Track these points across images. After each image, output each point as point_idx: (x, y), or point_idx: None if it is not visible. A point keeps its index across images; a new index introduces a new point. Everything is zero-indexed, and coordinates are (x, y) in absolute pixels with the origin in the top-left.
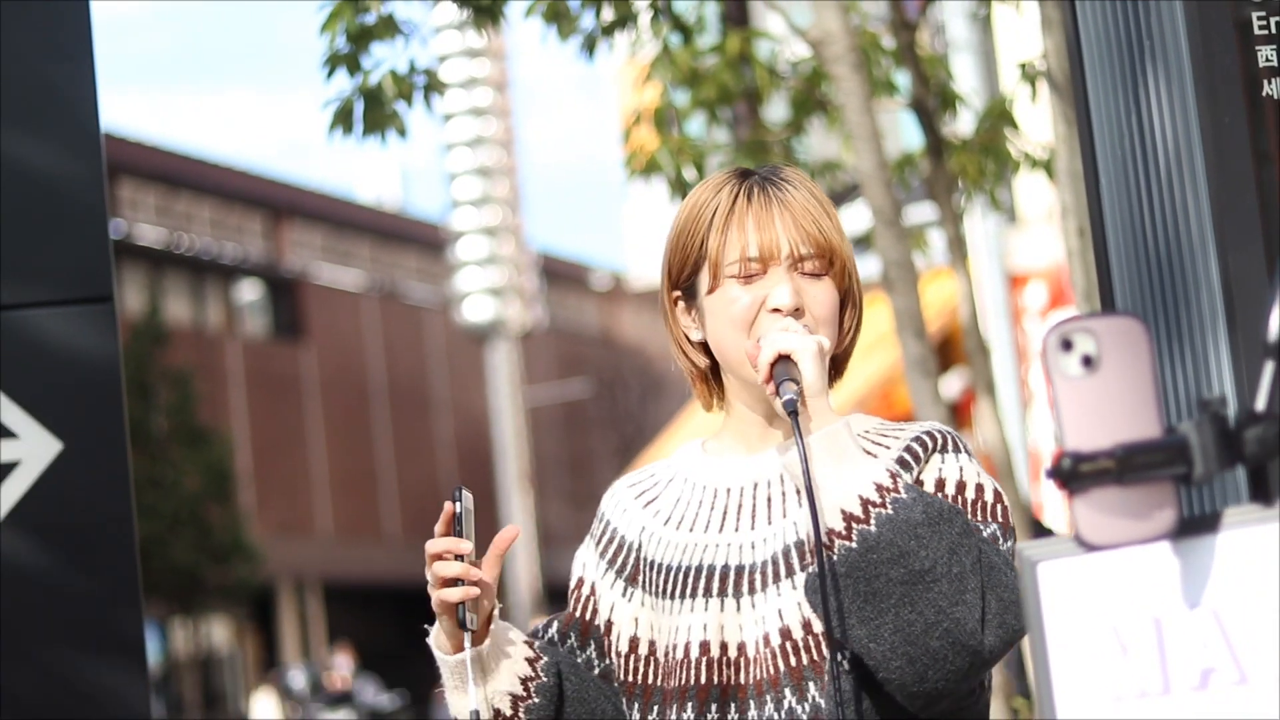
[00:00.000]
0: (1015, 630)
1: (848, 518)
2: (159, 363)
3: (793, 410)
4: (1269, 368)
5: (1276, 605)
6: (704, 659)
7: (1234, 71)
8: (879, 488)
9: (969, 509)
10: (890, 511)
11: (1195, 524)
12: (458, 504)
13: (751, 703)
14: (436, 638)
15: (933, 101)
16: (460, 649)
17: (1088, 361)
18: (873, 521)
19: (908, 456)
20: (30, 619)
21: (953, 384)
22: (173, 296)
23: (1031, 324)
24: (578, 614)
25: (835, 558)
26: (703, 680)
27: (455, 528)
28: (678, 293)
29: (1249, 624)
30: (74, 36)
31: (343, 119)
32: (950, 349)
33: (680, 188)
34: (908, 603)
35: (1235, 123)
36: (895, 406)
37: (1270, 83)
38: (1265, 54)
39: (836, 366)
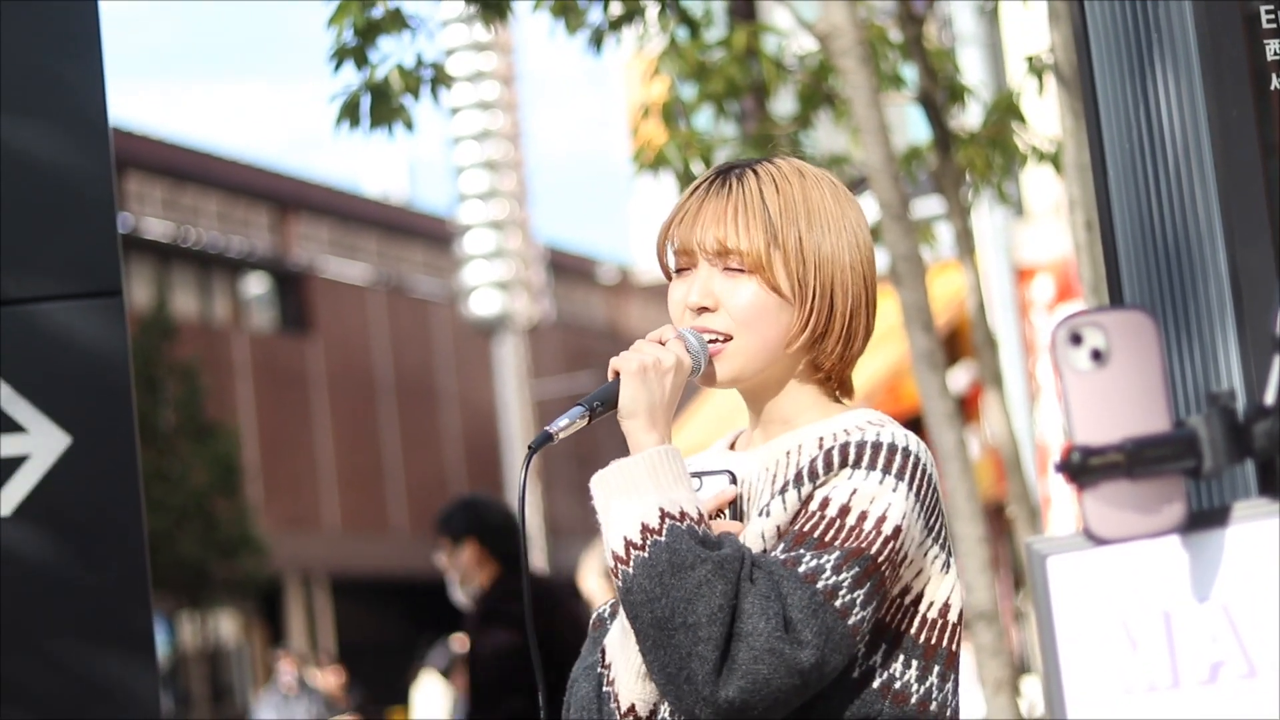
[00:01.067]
0: (765, 680)
1: (615, 557)
2: (166, 356)
3: (533, 445)
4: (1277, 361)
5: None
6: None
7: (1242, 64)
8: (644, 528)
9: (822, 531)
10: (646, 555)
11: (1204, 518)
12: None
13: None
14: (625, 631)
15: (940, 95)
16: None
17: (1097, 355)
18: (631, 563)
19: (819, 465)
20: (39, 613)
21: (960, 377)
22: (180, 290)
23: (1039, 317)
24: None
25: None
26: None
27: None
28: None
29: (1258, 618)
30: (82, 30)
31: (350, 112)
32: (958, 342)
33: (687, 181)
34: (660, 645)
35: (1243, 116)
36: (903, 400)
37: (1278, 75)
38: (1273, 47)
39: (835, 379)
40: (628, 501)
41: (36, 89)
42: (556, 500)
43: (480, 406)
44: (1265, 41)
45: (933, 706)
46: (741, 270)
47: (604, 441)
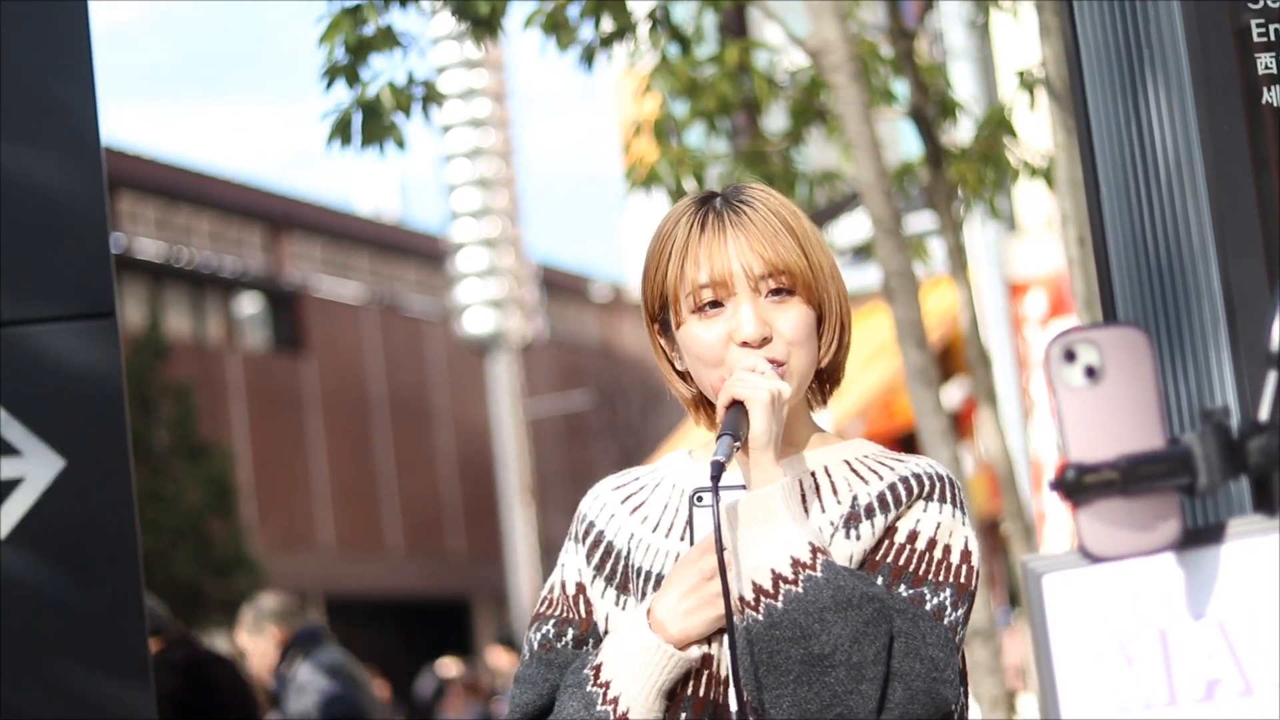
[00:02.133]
0: (918, 719)
1: (758, 589)
2: (160, 377)
3: (714, 476)
4: (1271, 377)
5: None
6: (704, 671)
7: (1233, 79)
8: (795, 562)
9: (928, 567)
10: (800, 590)
11: (1199, 535)
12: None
13: None
14: (643, 646)
15: (932, 110)
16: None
17: (1091, 372)
18: (780, 598)
19: (889, 497)
20: (34, 635)
21: (954, 393)
22: (173, 310)
23: (1032, 332)
24: (572, 614)
25: (745, 624)
26: (700, 693)
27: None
28: (657, 325)
29: (1254, 635)
30: (74, 50)
31: (341, 130)
32: (951, 358)
33: (680, 198)
34: (805, 682)
35: (1235, 130)
36: (897, 416)
37: (1270, 90)
38: (1264, 61)
39: (830, 378)
40: (770, 533)
41: (29, 111)
42: (551, 522)
43: (474, 425)
44: (1256, 55)
45: (962, 714)
46: (789, 292)
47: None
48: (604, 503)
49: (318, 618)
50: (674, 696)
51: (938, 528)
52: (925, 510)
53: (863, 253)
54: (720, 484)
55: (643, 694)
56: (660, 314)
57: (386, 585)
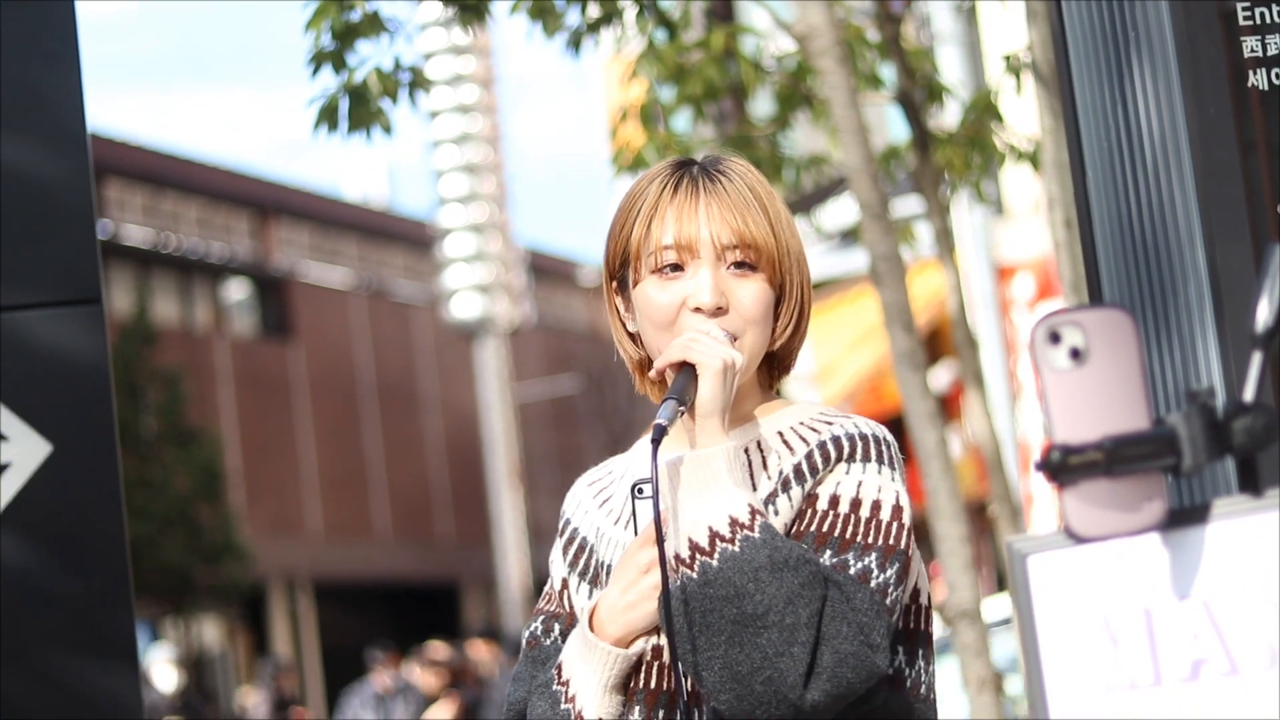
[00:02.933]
0: (848, 684)
1: (694, 547)
2: (148, 363)
3: (655, 439)
4: (1256, 358)
5: (1267, 596)
6: (654, 662)
7: (1219, 62)
8: (733, 522)
9: (853, 530)
10: (736, 549)
11: (1184, 515)
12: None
13: (695, 710)
14: (587, 644)
15: (918, 94)
16: (632, 643)
17: (1076, 354)
18: (716, 556)
19: (805, 466)
20: (21, 621)
21: (941, 376)
22: (161, 296)
23: (1020, 315)
24: (560, 610)
25: (680, 581)
26: (651, 685)
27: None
28: (615, 282)
29: (1239, 615)
30: (59, 38)
31: (328, 116)
32: (939, 341)
33: None
34: (737, 642)
35: (1221, 113)
36: (885, 400)
37: (1255, 73)
38: (1250, 44)
39: (780, 363)
40: (710, 494)
41: (15, 98)
42: (539, 506)
43: (462, 410)
44: (1242, 38)
45: (921, 689)
46: (752, 267)
47: (586, 445)
48: (579, 499)
49: (307, 603)
50: (628, 689)
51: (859, 487)
52: (847, 472)
53: (850, 237)
54: (661, 455)
55: (594, 693)
56: (620, 271)
57: (375, 570)
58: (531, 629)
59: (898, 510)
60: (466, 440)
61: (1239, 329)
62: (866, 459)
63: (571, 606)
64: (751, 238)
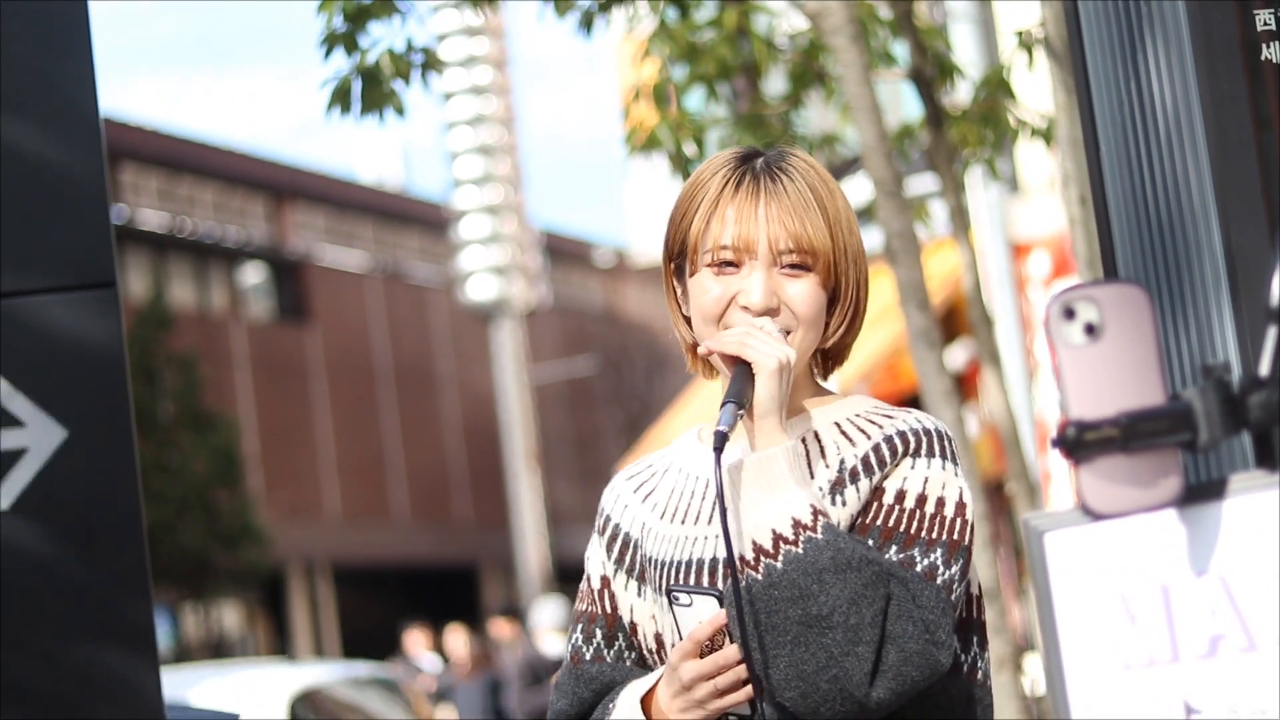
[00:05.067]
0: (913, 682)
1: (758, 549)
2: (164, 347)
3: (718, 447)
4: (1272, 333)
5: None
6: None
7: (1232, 36)
8: (796, 524)
9: (918, 526)
10: (800, 551)
11: (1201, 491)
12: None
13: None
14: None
15: (931, 72)
16: None
17: (1091, 330)
18: (780, 558)
19: (873, 459)
20: (38, 607)
21: (957, 355)
22: (177, 281)
23: (1035, 293)
24: (600, 609)
25: (746, 583)
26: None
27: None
28: (673, 265)
29: (1256, 590)
30: (72, 21)
31: (341, 98)
32: (954, 320)
33: (680, 163)
34: (802, 642)
35: (1234, 87)
36: (901, 379)
37: (1269, 46)
38: (1263, 18)
39: (833, 357)
40: (772, 495)
41: (27, 83)
42: (557, 488)
43: (479, 392)
44: (1255, 12)
45: (979, 675)
46: (805, 269)
47: (603, 427)
48: (618, 494)
49: (326, 587)
50: None
51: (926, 483)
52: (913, 467)
53: (864, 215)
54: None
55: None
56: (678, 257)
57: (393, 553)
58: (573, 641)
59: (961, 506)
60: (484, 423)
61: (1254, 304)
62: (931, 454)
63: (613, 606)
64: (809, 242)
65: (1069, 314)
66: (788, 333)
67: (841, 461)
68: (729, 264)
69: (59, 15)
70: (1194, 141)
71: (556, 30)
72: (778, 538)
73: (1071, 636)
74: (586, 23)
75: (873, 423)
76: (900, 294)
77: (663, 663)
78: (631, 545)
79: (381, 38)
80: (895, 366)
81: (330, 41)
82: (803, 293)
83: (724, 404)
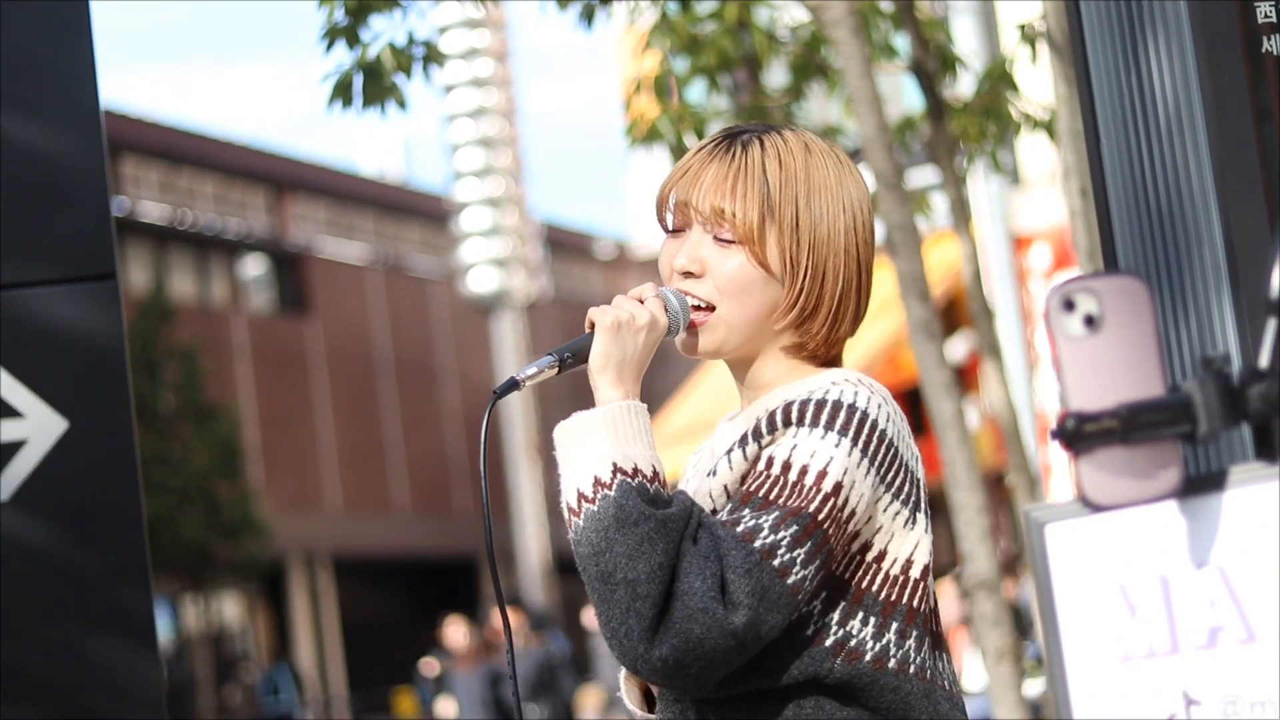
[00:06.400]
0: (698, 639)
1: (569, 508)
2: (165, 339)
3: (499, 391)
4: (1272, 325)
5: None
6: None
7: (1233, 28)
8: (596, 481)
9: (770, 489)
10: (595, 508)
11: (1200, 483)
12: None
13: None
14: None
15: (933, 64)
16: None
17: (1090, 321)
18: (582, 515)
19: (764, 425)
20: (38, 598)
21: (958, 347)
22: (177, 273)
23: (1036, 285)
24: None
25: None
26: None
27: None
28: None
29: (1256, 582)
30: (72, 13)
31: (342, 92)
32: (955, 312)
33: (681, 155)
34: (604, 599)
35: (1235, 80)
36: (902, 370)
37: (1269, 39)
38: (1264, 10)
39: (806, 346)
40: (584, 453)
41: (28, 75)
42: (558, 480)
43: (480, 384)
44: (1256, 4)
45: (891, 663)
46: (732, 241)
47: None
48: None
49: (326, 578)
50: None
51: (793, 450)
52: (793, 436)
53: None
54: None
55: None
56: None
57: (394, 545)
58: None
59: (821, 474)
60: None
61: (1254, 295)
62: (815, 424)
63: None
64: (731, 215)
65: (1069, 306)
66: (712, 306)
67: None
68: (676, 226)
69: (60, 8)
70: (1194, 134)
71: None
72: (580, 496)
73: (1071, 628)
74: (588, 15)
75: (801, 395)
76: (901, 286)
77: None
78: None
79: (383, 31)
80: (896, 358)
81: (332, 35)
82: (727, 268)
83: (546, 354)
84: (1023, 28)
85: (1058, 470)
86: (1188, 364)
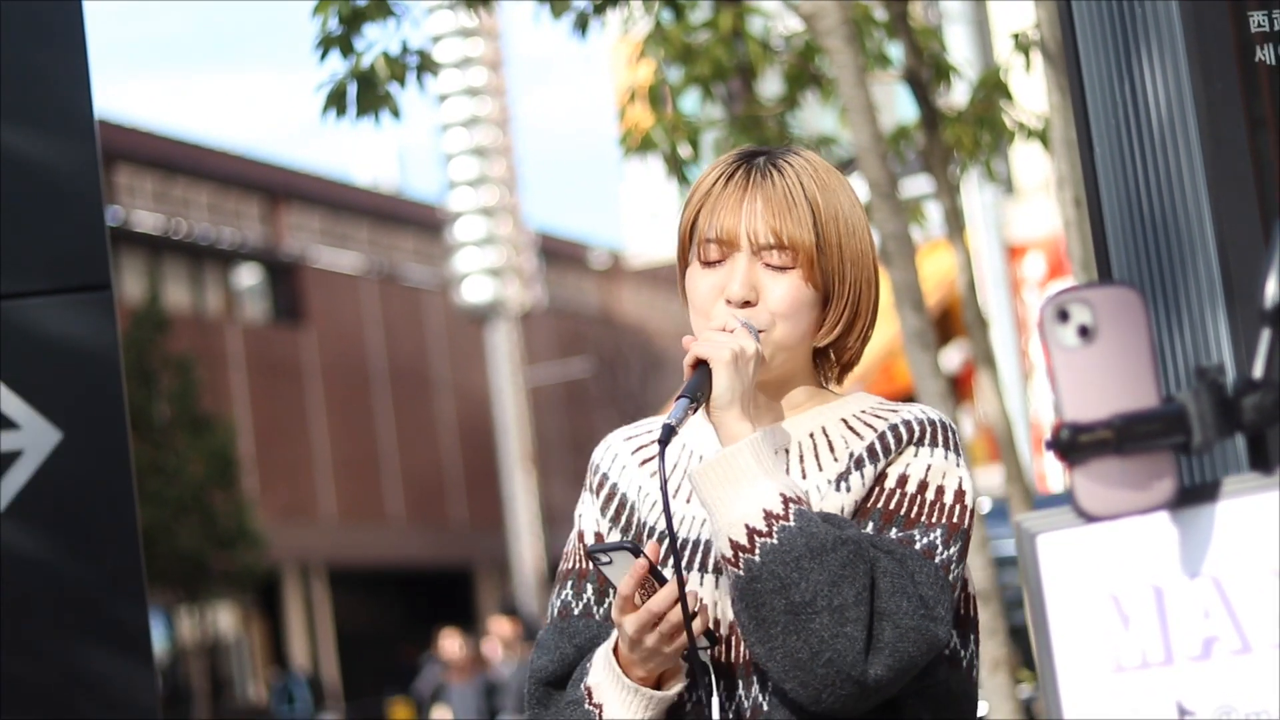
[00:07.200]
0: (911, 658)
1: (735, 546)
2: (160, 349)
3: (663, 440)
4: (1266, 335)
5: (1277, 573)
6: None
7: (1226, 37)
8: (768, 515)
9: (919, 510)
10: (775, 541)
11: (1195, 493)
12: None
13: (740, 681)
14: (620, 685)
15: (927, 73)
16: (663, 686)
17: (1084, 332)
18: (757, 551)
19: (878, 447)
20: (33, 609)
21: (953, 356)
22: (172, 282)
23: (1031, 295)
24: (588, 567)
25: (730, 580)
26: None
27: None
28: (685, 264)
29: (1250, 592)
30: (65, 23)
31: (336, 101)
32: (949, 321)
33: (675, 165)
34: (793, 631)
35: (1228, 88)
36: (896, 380)
37: (1263, 48)
38: (1257, 19)
39: (838, 360)
40: (739, 490)
41: (21, 85)
42: (552, 489)
43: (474, 393)
44: (1249, 13)
45: (973, 674)
46: (785, 266)
47: (599, 428)
48: (615, 453)
49: (321, 588)
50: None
51: (928, 470)
52: (916, 455)
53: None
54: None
55: None
56: (685, 253)
57: (389, 555)
58: (562, 597)
59: (960, 494)
60: (479, 424)
61: (1248, 305)
62: (934, 444)
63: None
64: (790, 239)
65: (1063, 316)
66: (762, 330)
67: (850, 453)
68: (719, 257)
69: (53, 16)
70: (1188, 143)
71: (552, 32)
72: (751, 532)
73: (1064, 638)
74: (582, 24)
75: (879, 416)
76: (895, 295)
77: None
78: (628, 507)
79: (376, 40)
80: (890, 368)
81: (326, 44)
82: (781, 288)
83: (677, 398)
84: (1016, 36)
85: (1052, 480)
86: (1182, 374)
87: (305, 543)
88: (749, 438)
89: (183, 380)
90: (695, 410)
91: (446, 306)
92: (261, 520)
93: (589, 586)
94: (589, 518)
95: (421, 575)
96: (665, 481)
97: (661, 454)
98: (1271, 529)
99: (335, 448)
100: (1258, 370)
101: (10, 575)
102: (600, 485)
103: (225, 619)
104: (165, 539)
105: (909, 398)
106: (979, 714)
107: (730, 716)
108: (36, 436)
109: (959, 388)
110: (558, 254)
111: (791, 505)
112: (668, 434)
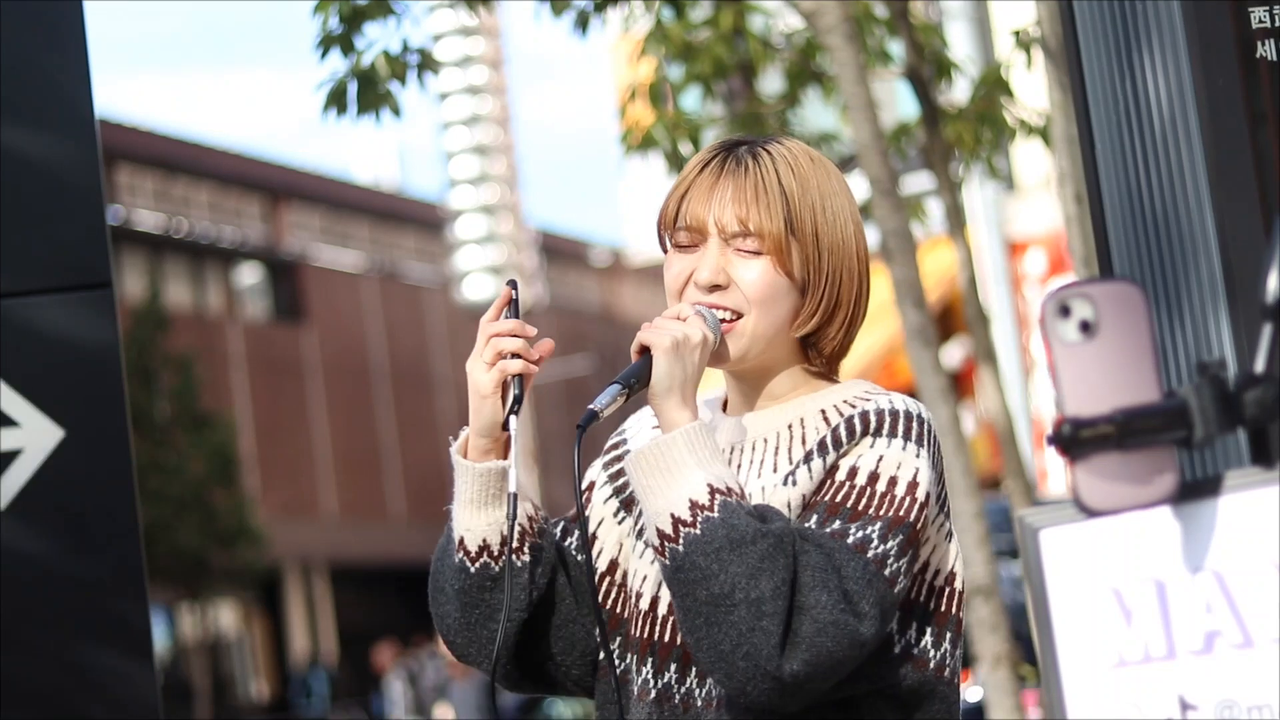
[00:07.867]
0: (829, 652)
1: (661, 535)
2: (160, 348)
3: (582, 424)
4: (1267, 329)
5: (1279, 568)
6: (670, 617)
7: (1227, 33)
8: (693, 505)
9: (865, 502)
10: (698, 532)
11: (1196, 488)
12: (514, 290)
13: (693, 668)
14: (460, 447)
15: (928, 70)
16: (484, 458)
17: (1086, 327)
18: (681, 541)
19: (829, 439)
20: (34, 607)
21: (954, 353)
22: (173, 281)
23: (1032, 291)
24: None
25: (658, 570)
26: (665, 639)
27: (510, 313)
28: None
29: (1252, 587)
30: (66, 22)
31: (337, 99)
32: (950, 318)
33: (676, 162)
34: (714, 622)
35: (1229, 84)
36: (897, 376)
37: (1264, 44)
38: (1258, 15)
39: (823, 351)
40: (671, 479)
41: (22, 84)
42: (553, 485)
43: None
44: (1250, 9)
45: (946, 672)
46: (757, 252)
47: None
48: (645, 423)
49: (322, 586)
50: (645, 645)
51: (879, 461)
52: (871, 446)
53: (860, 213)
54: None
55: (457, 508)
56: (664, 241)
57: (390, 552)
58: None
59: (913, 485)
60: None
61: (1249, 300)
62: (893, 434)
63: (579, 505)
64: (757, 227)
65: (1064, 311)
66: (739, 315)
67: (805, 448)
68: (689, 244)
69: (54, 15)
70: (1189, 139)
71: (553, 30)
72: (676, 521)
73: (1067, 633)
74: (582, 22)
75: (851, 405)
76: (896, 292)
77: (604, 589)
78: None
79: (377, 39)
80: (891, 364)
81: (326, 43)
82: (752, 273)
83: (610, 384)
84: (1017, 33)
85: (1054, 476)
86: (1183, 369)
87: (306, 540)
88: (684, 427)
89: (184, 378)
90: (627, 397)
91: (447, 304)
92: (263, 518)
93: (563, 521)
94: (595, 469)
95: (423, 573)
96: (577, 466)
97: (579, 439)
98: (1273, 523)
99: (336, 445)
100: (1259, 365)
101: (11, 573)
102: (617, 447)
103: (226, 617)
104: (166, 537)
105: (910, 394)
106: (969, 705)
107: (651, 691)
108: (37, 434)
109: (960, 384)
110: (558, 252)
111: (718, 496)
112: (589, 418)
